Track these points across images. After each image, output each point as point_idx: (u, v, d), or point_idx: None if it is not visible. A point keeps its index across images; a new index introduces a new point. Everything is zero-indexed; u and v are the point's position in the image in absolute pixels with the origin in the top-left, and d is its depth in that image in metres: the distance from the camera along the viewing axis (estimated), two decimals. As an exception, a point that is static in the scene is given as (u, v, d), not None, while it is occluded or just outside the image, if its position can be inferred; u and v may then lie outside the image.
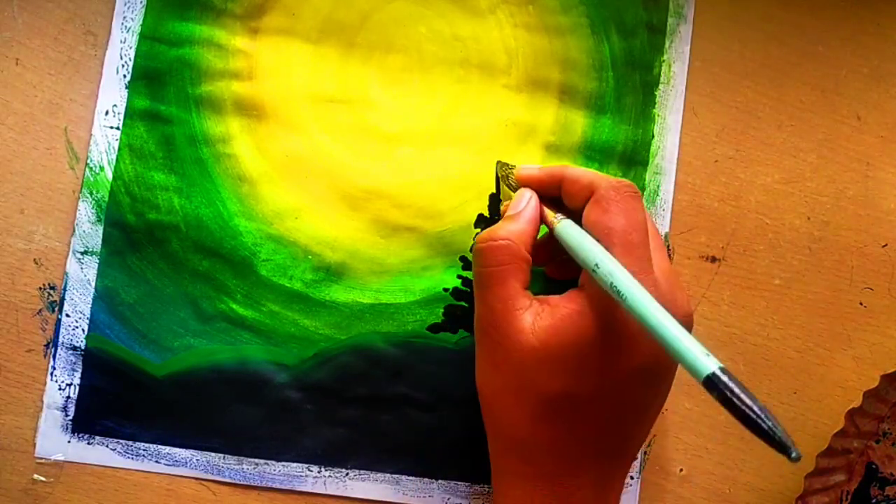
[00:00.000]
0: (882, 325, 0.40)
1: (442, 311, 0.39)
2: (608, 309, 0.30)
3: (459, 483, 0.39)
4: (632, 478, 0.39)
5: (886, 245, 0.40)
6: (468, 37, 0.40)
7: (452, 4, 0.40)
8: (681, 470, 0.39)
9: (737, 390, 0.24)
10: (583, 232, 0.31)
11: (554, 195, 0.34)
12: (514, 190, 0.35)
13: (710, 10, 0.41)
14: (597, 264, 0.29)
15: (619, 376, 0.30)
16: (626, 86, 0.40)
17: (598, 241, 0.30)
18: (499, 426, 0.33)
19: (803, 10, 0.41)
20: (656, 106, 0.40)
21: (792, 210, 0.40)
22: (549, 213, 0.33)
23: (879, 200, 0.41)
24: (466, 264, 0.39)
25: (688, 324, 0.32)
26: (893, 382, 0.38)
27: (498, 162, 0.38)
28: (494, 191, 0.39)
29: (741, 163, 0.40)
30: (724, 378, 0.24)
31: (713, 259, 0.40)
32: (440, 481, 0.39)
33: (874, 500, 0.39)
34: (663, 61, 0.41)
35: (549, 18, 0.40)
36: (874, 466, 0.39)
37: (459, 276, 0.39)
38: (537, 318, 0.30)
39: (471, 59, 0.40)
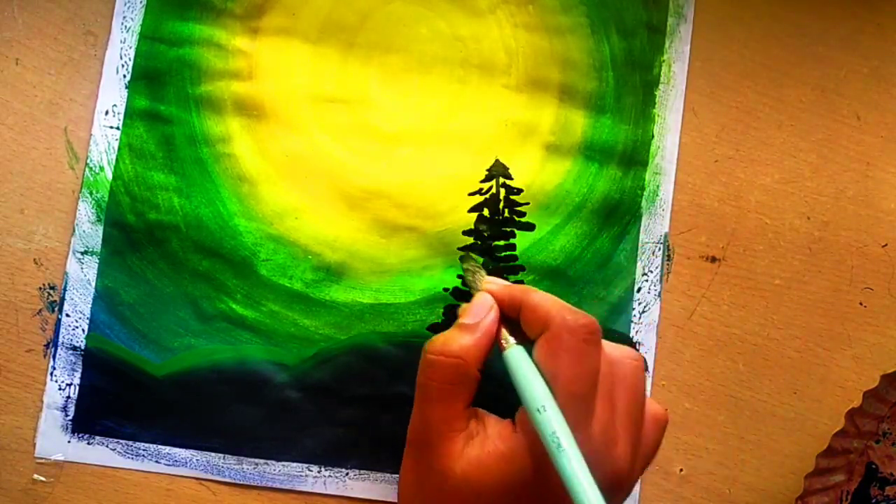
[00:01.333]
0: (882, 325, 0.40)
1: (442, 310, 0.39)
2: (539, 457, 0.28)
3: (459, 483, 0.39)
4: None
5: (886, 245, 0.40)
6: (468, 37, 0.40)
7: (452, 4, 0.40)
8: (681, 470, 0.39)
9: None
10: (532, 367, 0.29)
11: (514, 316, 0.32)
12: (475, 290, 0.33)
13: (710, 10, 0.41)
14: (543, 407, 0.28)
15: None
16: (626, 86, 0.40)
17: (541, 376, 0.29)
18: None
19: (803, 10, 0.41)
20: (656, 106, 0.40)
21: (792, 210, 0.40)
22: (504, 333, 0.31)
23: (879, 200, 0.41)
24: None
25: (616, 481, 0.29)
26: (893, 382, 0.38)
27: (463, 255, 0.37)
28: (482, 186, 0.39)
29: (741, 163, 0.40)
30: None
31: (713, 259, 0.40)
32: (440, 481, 0.39)
33: (874, 500, 0.39)
34: (663, 61, 0.41)
35: (549, 18, 0.40)
36: (874, 466, 0.39)
37: (459, 276, 0.39)
38: (469, 444, 0.29)
39: (471, 59, 0.40)
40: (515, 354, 0.30)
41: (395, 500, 0.38)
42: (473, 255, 0.36)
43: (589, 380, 0.29)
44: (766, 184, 0.40)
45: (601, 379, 0.29)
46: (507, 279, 0.39)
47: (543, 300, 0.30)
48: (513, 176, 0.40)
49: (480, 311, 0.31)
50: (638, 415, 0.30)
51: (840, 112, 0.41)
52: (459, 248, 0.38)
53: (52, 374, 0.38)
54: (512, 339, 0.31)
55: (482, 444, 0.29)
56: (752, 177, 0.40)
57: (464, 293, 0.39)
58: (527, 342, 0.31)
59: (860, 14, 0.41)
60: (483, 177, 0.40)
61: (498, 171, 0.40)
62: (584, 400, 0.28)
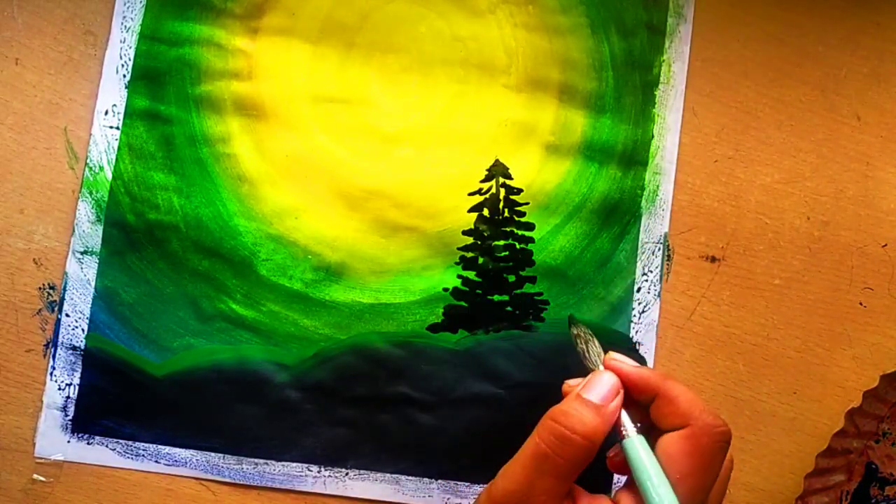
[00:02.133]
0: (882, 325, 0.40)
1: (442, 310, 0.39)
2: None
3: (459, 483, 0.39)
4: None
5: (886, 245, 0.40)
6: (468, 37, 0.40)
7: (452, 4, 0.40)
8: (681, 470, 0.39)
9: None
10: (655, 461, 0.29)
11: (638, 399, 0.31)
12: (588, 360, 0.32)
13: (710, 10, 0.41)
14: (654, 493, 0.27)
15: None
16: (626, 86, 0.40)
17: (664, 471, 0.28)
18: None
19: (803, 9, 0.41)
20: (656, 106, 0.40)
21: (792, 210, 0.40)
22: (625, 421, 0.30)
23: (879, 200, 0.41)
24: (466, 264, 0.39)
25: None
26: (893, 382, 0.38)
27: (572, 321, 0.34)
28: (482, 186, 0.39)
29: (741, 163, 0.40)
30: None
31: (713, 259, 0.40)
32: (440, 481, 0.39)
33: (874, 500, 0.39)
34: (663, 61, 0.41)
35: (549, 18, 0.40)
36: (874, 466, 0.39)
37: (459, 276, 0.39)
38: None
39: (471, 59, 0.40)
40: (638, 444, 0.29)
41: (395, 500, 0.38)
42: (580, 322, 0.34)
43: (713, 484, 0.29)
44: (766, 184, 0.40)
45: (719, 479, 0.30)
46: (519, 275, 0.39)
47: (685, 394, 0.29)
48: (513, 176, 0.40)
49: (608, 395, 0.30)
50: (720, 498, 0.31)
51: (840, 112, 0.41)
52: (570, 319, 0.35)
53: (51, 373, 0.38)
54: (632, 427, 0.30)
55: None
56: (752, 177, 0.40)
57: (463, 293, 0.39)
58: (645, 426, 0.30)
59: (860, 14, 0.41)
60: (483, 177, 0.40)
61: (498, 171, 0.40)
62: (703, 498, 0.29)
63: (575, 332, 0.33)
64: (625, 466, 0.30)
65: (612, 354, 0.32)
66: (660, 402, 0.30)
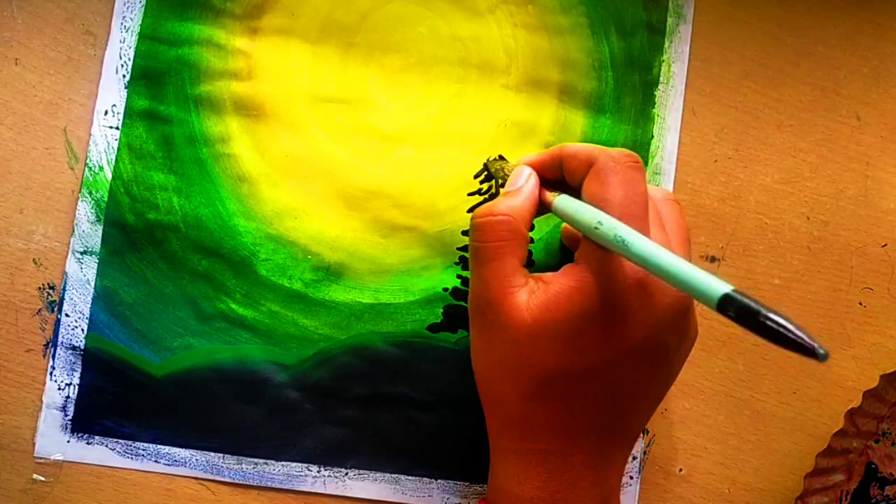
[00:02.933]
0: (882, 325, 0.40)
1: (441, 310, 0.39)
2: (606, 283, 0.29)
3: (459, 483, 0.39)
4: (631, 478, 0.39)
5: (886, 245, 0.40)
6: (468, 37, 0.40)
7: (452, 4, 0.40)
8: (681, 470, 0.39)
9: (753, 305, 0.23)
10: (582, 202, 0.30)
11: (553, 177, 0.33)
12: (503, 178, 0.35)
13: (710, 10, 0.41)
14: (599, 222, 0.28)
15: (614, 353, 0.30)
16: (626, 86, 0.40)
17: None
18: (494, 404, 0.33)
19: (803, 9, 0.41)
20: (656, 106, 0.40)
21: (791, 210, 0.40)
22: (546, 192, 0.33)
23: (879, 200, 0.41)
24: (465, 264, 0.39)
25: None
26: (893, 382, 0.38)
27: (489, 159, 0.39)
28: (482, 186, 0.39)
29: (741, 163, 0.40)
30: (738, 296, 0.23)
31: (713, 259, 0.40)
32: (439, 481, 0.39)
33: (874, 500, 0.39)
34: (663, 61, 0.41)
35: (549, 18, 0.40)
36: (874, 466, 0.39)
37: (459, 276, 0.39)
38: (532, 295, 0.30)
39: (470, 59, 0.40)
40: (563, 199, 0.31)
41: (395, 500, 0.39)
42: (489, 160, 0.38)
43: (640, 201, 0.30)
44: (765, 184, 0.40)
45: (650, 209, 0.31)
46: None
47: (582, 146, 0.32)
48: (514, 158, 0.40)
49: (520, 179, 0.33)
50: (688, 247, 0.32)
51: (840, 112, 0.41)
52: (485, 164, 0.39)
53: (51, 373, 0.38)
54: (556, 192, 0.32)
55: (546, 290, 0.30)
56: (751, 177, 0.40)
57: (463, 293, 0.39)
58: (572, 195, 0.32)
59: (860, 14, 0.41)
60: (483, 177, 0.40)
61: (496, 166, 0.40)
62: (639, 219, 0.29)
63: (491, 168, 0.37)
64: (574, 236, 0.34)
65: (520, 158, 0.35)
66: (565, 161, 0.32)
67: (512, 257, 0.31)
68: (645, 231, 0.29)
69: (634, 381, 0.31)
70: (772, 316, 0.23)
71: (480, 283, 0.31)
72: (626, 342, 0.30)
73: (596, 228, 0.28)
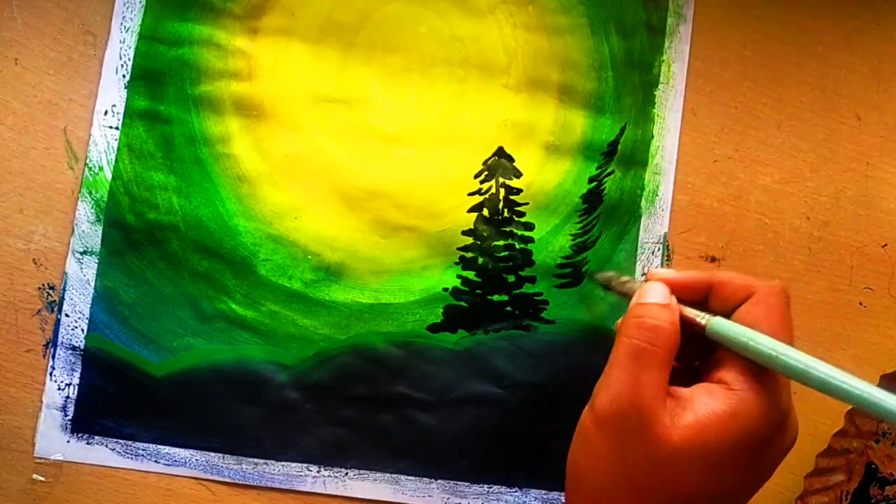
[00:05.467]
0: (882, 325, 0.40)
1: (441, 310, 0.39)
2: (759, 413, 0.28)
3: (459, 483, 0.39)
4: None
5: (886, 245, 0.40)
6: (468, 37, 0.40)
7: (452, 4, 0.40)
8: (680, 470, 0.39)
9: None
10: (744, 327, 0.29)
11: (691, 299, 0.31)
12: (628, 287, 0.33)
13: (710, 10, 0.41)
14: (776, 351, 0.28)
15: (749, 480, 0.29)
16: (626, 86, 0.40)
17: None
18: None
19: (803, 10, 0.41)
20: (656, 106, 0.40)
21: (792, 210, 0.40)
22: (694, 312, 0.30)
23: (879, 200, 0.40)
24: (465, 264, 0.39)
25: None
26: (893, 382, 0.38)
27: (590, 275, 0.38)
28: (482, 186, 0.39)
29: (741, 163, 0.40)
30: None
31: (713, 259, 0.40)
32: (440, 481, 0.39)
33: (874, 500, 0.39)
34: (663, 61, 0.41)
35: (549, 18, 0.40)
36: (874, 466, 0.39)
37: (459, 276, 0.39)
38: (675, 413, 0.28)
39: (470, 59, 0.40)
40: (723, 322, 0.29)
41: (395, 500, 0.38)
42: (597, 272, 0.38)
43: (791, 331, 0.30)
44: (765, 184, 0.40)
45: None
46: (519, 275, 0.39)
47: (734, 274, 0.31)
48: (515, 163, 0.40)
49: (664, 293, 0.31)
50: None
51: (840, 112, 0.41)
52: (588, 275, 0.39)
53: (51, 373, 0.38)
54: (704, 314, 0.30)
55: (693, 410, 0.28)
56: (751, 177, 0.40)
57: (463, 293, 0.39)
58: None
59: (860, 14, 0.41)
60: (483, 177, 0.40)
61: (496, 166, 0.40)
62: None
63: (600, 280, 0.36)
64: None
65: (652, 270, 0.33)
66: (716, 289, 0.30)
67: (666, 370, 0.29)
68: None
69: (742, 495, 0.30)
70: None
71: (636, 386, 0.28)
72: (764, 472, 0.29)
73: (772, 358, 0.28)
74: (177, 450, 0.38)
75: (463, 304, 0.39)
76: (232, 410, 0.38)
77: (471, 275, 0.39)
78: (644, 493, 0.28)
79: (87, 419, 0.38)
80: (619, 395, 0.28)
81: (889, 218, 0.40)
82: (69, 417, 0.38)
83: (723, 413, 0.28)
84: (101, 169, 0.39)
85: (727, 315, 0.30)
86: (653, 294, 0.30)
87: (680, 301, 0.31)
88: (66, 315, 0.38)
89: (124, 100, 0.39)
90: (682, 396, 0.28)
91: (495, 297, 0.39)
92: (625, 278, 0.35)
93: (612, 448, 0.29)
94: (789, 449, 0.29)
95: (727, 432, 0.28)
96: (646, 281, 0.32)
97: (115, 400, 0.38)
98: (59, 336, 0.38)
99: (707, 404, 0.28)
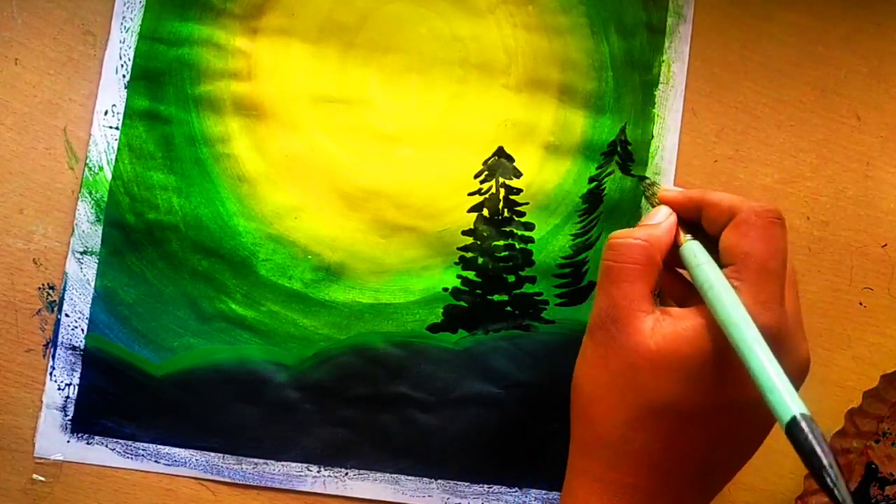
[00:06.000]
0: (882, 325, 0.40)
1: (441, 310, 0.39)
2: (719, 339, 0.29)
3: (459, 483, 0.39)
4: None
5: (886, 245, 0.40)
6: (468, 37, 0.40)
7: (452, 4, 0.40)
8: (680, 470, 0.39)
9: (811, 440, 0.25)
10: (707, 256, 0.31)
11: (692, 220, 0.33)
12: (654, 204, 0.35)
13: (710, 10, 0.41)
14: (710, 287, 0.29)
15: (729, 399, 0.29)
16: (626, 86, 0.40)
17: (733, 265, 0.30)
18: (590, 424, 0.31)
19: (803, 10, 0.41)
20: (656, 106, 0.40)
21: (792, 210, 0.40)
22: (681, 233, 0.33)
23: (879, 200, 0.41)
24: (466, 264, 0.39)
25: (803, 371, 0.31)
26: (893, 382, 0.38)
27: (641, 178, 0.39)
28: (482, 186, 0.39)
29: (741, 163, 0.40)
30: (803, 424, 0.25)
31: (713, 259, 0.40)
32: (440, 481, 0.39)
33: (874, 500, 0.39)
34: (663, 61, 0.41)
35: (549, 18, 0.40)
36: (874, 466, 0.39)
37: (459, 276, 0.39)
38: (658, 324, 0.30)
39: (470, 59, 0.40)
40: (692, 245, 0.31)
41: (395, 500, 0.38)
42: (644, 177, 0.39)
43: (780, 258, 0.30)
44: (765, 184, 0.40)
45: (787, 270, 0.30)
46: (519, 275, 0.39)
47: (725, 195, 0.32)
48: (515, 162, 0.40)
49: (658, 215, 0.33)
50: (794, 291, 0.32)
51: (840, 112, 0.41)
52: (640, 179, 0.40)
53: (51, 373, 0.38)
54: (688, 235, 0.32)
55: (674, 323, 0.30)
56: (751, 177, 0.40)
57: (463, 293, 0.39)
58: (704, 240, 0.32)
59: (859, 14, 0.41)
60: (483, 177, 0.40)
61: (496, 166, 0.40)
62: (778, 278, 0.29)
63: (643, 188, 0.38)
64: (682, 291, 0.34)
65: (664, 187, 0.35)
66: (706, 209, 0.32)
67: (643, 283, 0.31)
68: (781, 289, 0.29)
69: (738, 433, 0.31)
70: (823, 462, 0.25)
71: (608, 300, 0.31)
72: (744, 392, 0.29)
73: (704, 293, 0.29)
74: (177, 450, 0.38)
75: (463, 304, 0.39)
76: (232, 410, 0.38)
77: (471, 275, 0.39)
78: (625, 397, 0.30)
79: (87, 419, 0.38)
80: (597, 309, 0.32)
81: (889, 218, 0.40)
82: (69, 417, 0.38)
83: (700, 325, 0.29)
84: (101, 169, 0.39)
85: (717, 236, 0.31)
86: (651, 215, 0.33)
87: (681, 220, 0.33)
88: (66, 315, 0.38)
89: (124, 100, 0.39)
90: (673, 313, 0.30)
91: (495, 297, 0.39)
92: (653, 190, 0.36)
93: (597, 354, 0.31)
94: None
95: (702, 342, 0.29)
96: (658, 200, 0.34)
97: (115, 400, 0.38)
98: (59, 336, 0.38)
99: (689, 318, 0.30)
